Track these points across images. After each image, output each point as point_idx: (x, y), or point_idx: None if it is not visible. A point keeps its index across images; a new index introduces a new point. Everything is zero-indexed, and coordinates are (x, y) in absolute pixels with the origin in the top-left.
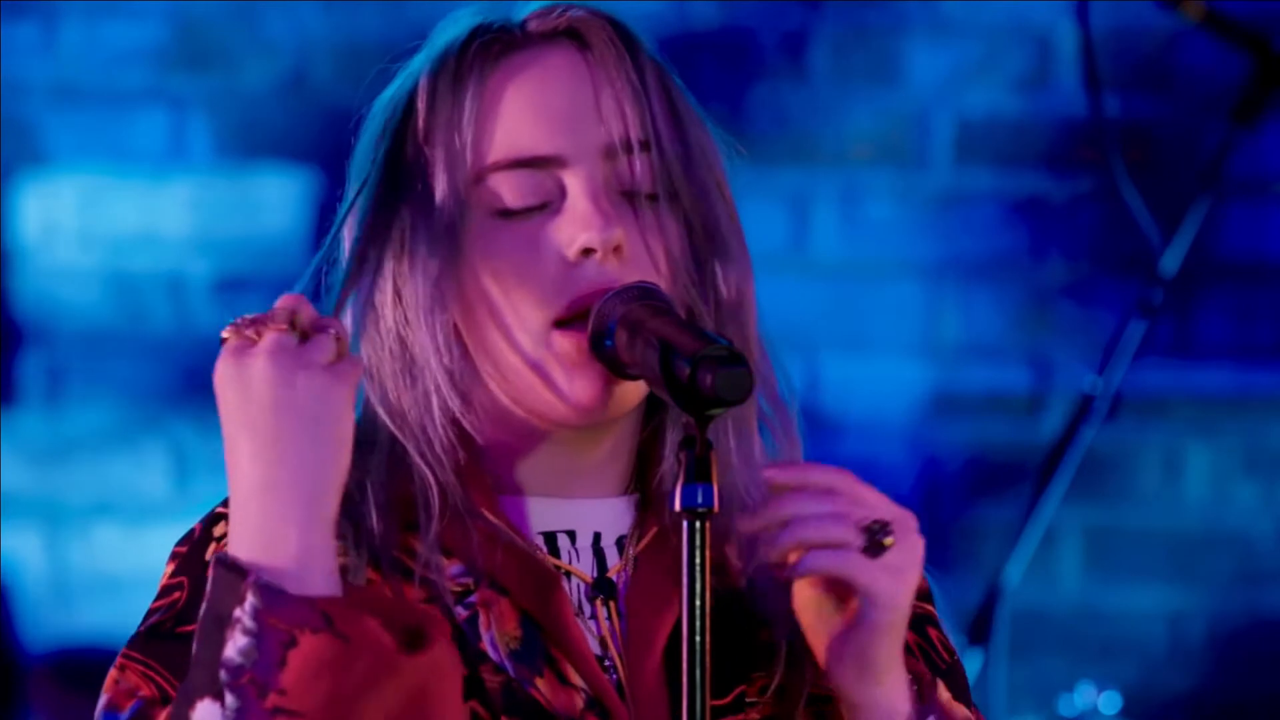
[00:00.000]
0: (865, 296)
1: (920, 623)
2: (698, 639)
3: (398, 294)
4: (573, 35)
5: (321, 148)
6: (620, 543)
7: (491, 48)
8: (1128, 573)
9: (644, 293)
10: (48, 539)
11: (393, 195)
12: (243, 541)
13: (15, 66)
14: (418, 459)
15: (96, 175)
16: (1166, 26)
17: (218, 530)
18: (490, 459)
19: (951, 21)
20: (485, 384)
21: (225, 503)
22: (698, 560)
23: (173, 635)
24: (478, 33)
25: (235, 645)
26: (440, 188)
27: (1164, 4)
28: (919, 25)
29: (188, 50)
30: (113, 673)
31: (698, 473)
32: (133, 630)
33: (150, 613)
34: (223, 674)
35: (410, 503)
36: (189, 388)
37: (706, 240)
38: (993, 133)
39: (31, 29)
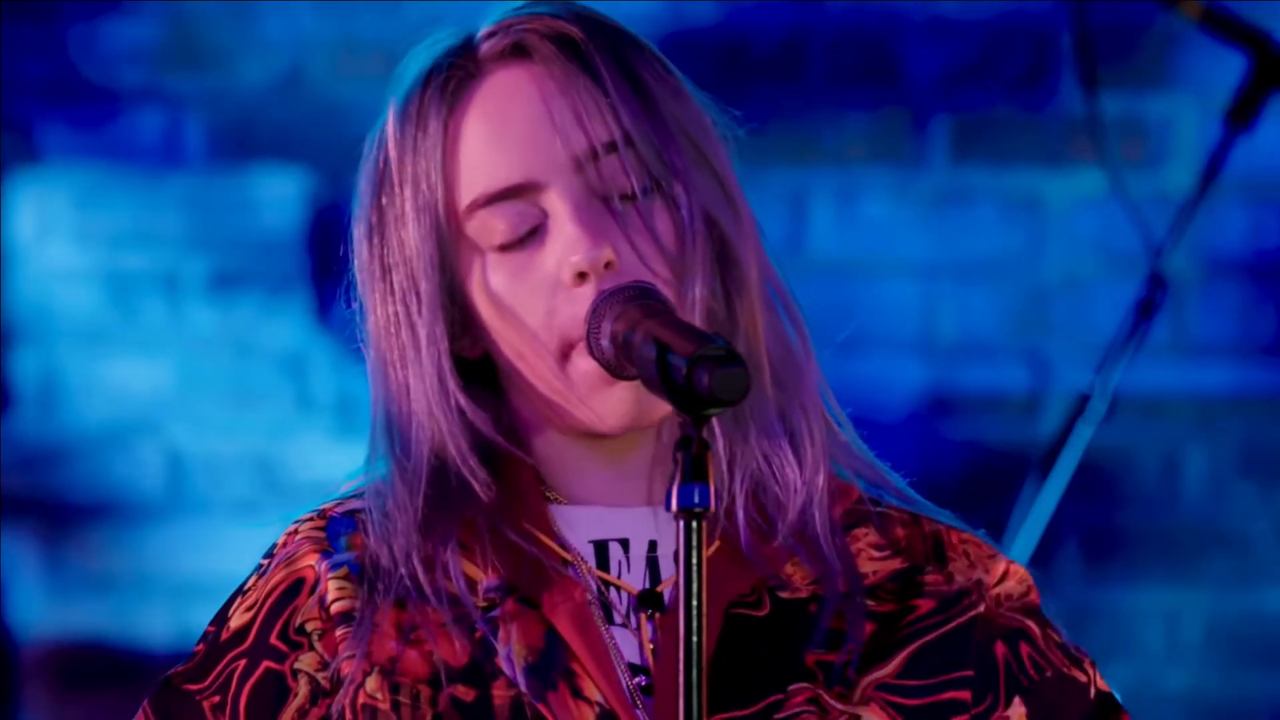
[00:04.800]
0: (862, 295)
1: (1014, 637)
2: (694, 639)
3: (394, 328)
4: (520, 51)
5: (317, 147)
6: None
7: (447, 86)
8: (1125, 572)
9: (639, 293)
10: (43, 539)
11: (379, 234)
12: None
13: (12, 65)
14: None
15: (92, 174)
16: (1164, 25)
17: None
18: (539, 467)
19: (948, 20)
20: (519, 400)
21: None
22: (694, 560)
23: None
24: (433, 72)
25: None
26: (412, 233)
27: (1161, 2)
28: (916, 24)
29: (183, 49)
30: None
31: (694, 473)
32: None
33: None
34: None
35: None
36: (184, 387)
37: (700, 215)
38: (990, 131)
39: (28, 27)
